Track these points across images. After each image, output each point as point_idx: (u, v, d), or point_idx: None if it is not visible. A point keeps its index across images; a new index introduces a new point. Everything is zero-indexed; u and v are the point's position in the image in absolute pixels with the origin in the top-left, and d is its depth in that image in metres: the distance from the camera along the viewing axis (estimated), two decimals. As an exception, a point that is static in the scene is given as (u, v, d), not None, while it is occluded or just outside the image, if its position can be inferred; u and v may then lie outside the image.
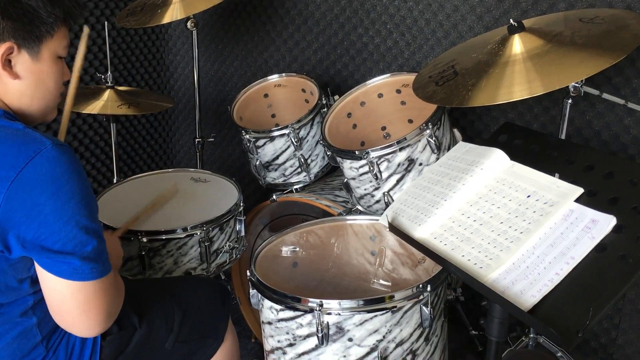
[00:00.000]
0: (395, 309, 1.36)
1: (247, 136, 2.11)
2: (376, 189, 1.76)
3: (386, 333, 1.37)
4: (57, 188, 1.07)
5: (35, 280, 1.17)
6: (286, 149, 2.09)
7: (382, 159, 1.69)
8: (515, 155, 1.32)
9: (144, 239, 1.69)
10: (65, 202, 1.08)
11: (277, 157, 2.11)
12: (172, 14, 2.14)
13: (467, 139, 1.61)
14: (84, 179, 1.13)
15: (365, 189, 1.79)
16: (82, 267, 1.11)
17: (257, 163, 2.17)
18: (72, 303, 1.14)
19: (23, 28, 1.12)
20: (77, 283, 1.12)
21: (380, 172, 1.71)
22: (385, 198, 1.75)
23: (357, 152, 1.71)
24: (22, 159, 1.06)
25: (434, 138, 1.67)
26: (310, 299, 1.36)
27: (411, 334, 1.40)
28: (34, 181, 1.06)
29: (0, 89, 1.16)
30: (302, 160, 2.09)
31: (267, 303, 1.45)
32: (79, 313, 1.15)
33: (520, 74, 1.36)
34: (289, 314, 1.40)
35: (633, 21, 1.39)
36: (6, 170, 1.06)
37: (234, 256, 1.89)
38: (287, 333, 1.43)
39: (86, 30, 1.44)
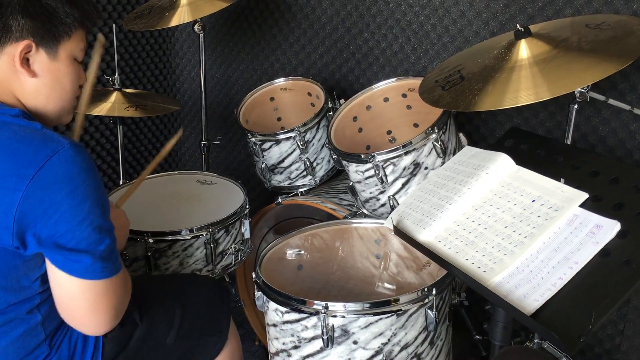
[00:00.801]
0: (400, 312, 1.36)
1: (253, 139, 2.12)
2: (381, 192, 1.76)
3: (391, 336, 1.37)
4: (73, 187, 1.09)
5: (45, 280, 1.18)
6: (292, 152, 2.09)
7: (387, 163, 1.70)
8: (521, 160, 1.32)
9: (150, 240, 1.70)
10: (81, 201, 1.10)
11: (282, 160, 2.12)
12: (180, 17, 2.15)
13: (472, 143, 1.61)
14: (99, 179, 1.15)
15: (370, 193, 1.80)
16: (93, 265, 1.12)
17: (263, 166, 2.18)
18: (82, 301, 1.15)
19: (42, 27, 1.14)
20: (87, 282, 1.13)
21: (385, 175, 1.71)
22: (391, 202, 1.75)
23: (362, 156, 1.72)
24: (41, 157, 1.08)
25: (439, 142, 1.67)
26: (316, 301, 1.37)
27: (416, 338, 1.41)
28: (52, 180, 1.07)
29: (17, 87, 1.18)
30: (308, 163, 2.10)
31: (273, 305, 1.45)
32: (88, 312, 1.17)
33: (527, 79, 1.37)
34: (294, 316, 1.41)
35: (639, 27, 1.39)
36: (25, 168, 1.07)
37: (239, 258, 1.89)
38: (292, 335, 1.43)
39: (100, 37, 1.46)
